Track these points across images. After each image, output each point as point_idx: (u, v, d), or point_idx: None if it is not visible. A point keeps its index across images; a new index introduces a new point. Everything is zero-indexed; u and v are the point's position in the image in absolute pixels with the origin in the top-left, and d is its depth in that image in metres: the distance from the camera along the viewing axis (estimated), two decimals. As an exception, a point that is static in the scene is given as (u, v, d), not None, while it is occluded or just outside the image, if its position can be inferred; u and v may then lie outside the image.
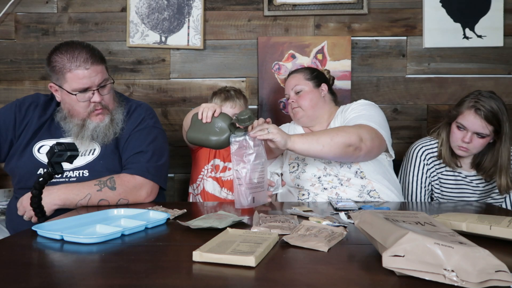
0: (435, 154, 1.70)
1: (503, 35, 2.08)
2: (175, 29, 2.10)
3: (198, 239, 0.85)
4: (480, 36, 2.08)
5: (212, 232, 0.89)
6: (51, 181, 1.10)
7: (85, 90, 1.35)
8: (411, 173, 1.72)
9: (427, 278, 0.60)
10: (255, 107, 2.14)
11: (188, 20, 2.10)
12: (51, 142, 1.41)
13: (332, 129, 1.42)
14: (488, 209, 1.29)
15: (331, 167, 1.52)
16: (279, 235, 0.87)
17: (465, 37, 2.09)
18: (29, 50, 2.14)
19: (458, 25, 2.09)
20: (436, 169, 1.70)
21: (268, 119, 1.36)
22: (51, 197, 1.24)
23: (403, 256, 0.61)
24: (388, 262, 0.63)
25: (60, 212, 1.23)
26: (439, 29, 2.09)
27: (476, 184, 1.67)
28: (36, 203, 1.09)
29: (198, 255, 0.71)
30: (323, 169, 1.53)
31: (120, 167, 1.41)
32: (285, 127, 1.76)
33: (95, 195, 1.28)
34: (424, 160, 1.71)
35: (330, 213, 1.15)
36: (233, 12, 2.13)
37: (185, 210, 1.15)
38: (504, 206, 1.68)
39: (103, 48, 2.00)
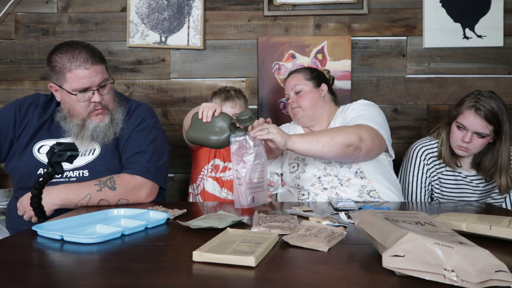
0: (435, 154, 1.70)
1: (503, 35, 2.08)
2: (175, 29, 2.10)
3: (198, 239, 0.85)
4: (480, 36, 2.08)
5: (212, 232, 0.89)
6: (51, 181, 1.10)
7: (85, 90, 1.35)
8: (411, 173, 1.72)
9: (427, 278, 0.60)
10: (255, 107, 2.14)
11: (188, 20, 2.10)
12: (51, 142, 1.41)
13: (332, 129, 1.42)
14: (488, 209, 1.29)
15: (331, 167, 1.52)
16: (279, 235, 0.86)
17: (465, 37, 2.09)
18: (29, 50, 2.14)
19: (458, 25, 2.09)
20: (436, 169, 1.70)
21: (268, 119, 1.36)
22: (51, 197, 1.24)
23: (403, 256, 0.61)
24: (388, 262, 0.63)
25: (60, 212, 1.23)
26: (439, 29, 2.09)
27: (476, 184, 1.67)
28: (36, 203, 1.09)
29: (198, 255, 0.71)
30: (323, 169, 1.53)
31: (120, 167, 1.41)
32: (285, 127, 1.76)
33: (95, 195, 1.28)
34: (424, 160, 1.71)
35: (330, 213, 1.15)
36: (233, 12, 2.13)
37: (185, 210, 1.15)
38: (504, 206, 1.68)
39: (103, 48, 2.00)
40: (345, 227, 0.97)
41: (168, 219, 1.05)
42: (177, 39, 2.11)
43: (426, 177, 1.71)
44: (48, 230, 0.90)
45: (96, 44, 1.52)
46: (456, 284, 0.58)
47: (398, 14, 2.12)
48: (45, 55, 1.40)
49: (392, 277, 0.64)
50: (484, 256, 0.60)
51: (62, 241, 0.86)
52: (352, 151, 1.37)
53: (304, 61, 2.10)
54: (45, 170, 1.23)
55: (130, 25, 2.10)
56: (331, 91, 1.72)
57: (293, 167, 1.61)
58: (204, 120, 1.25)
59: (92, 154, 1.41)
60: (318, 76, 1.69)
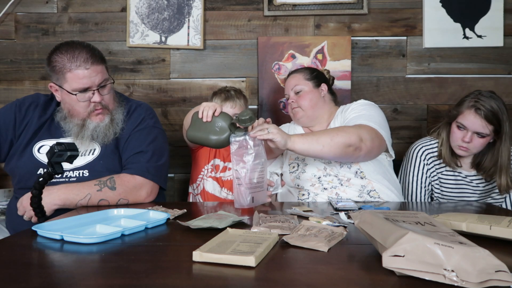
0: (435, 154, 1.70)
1: (503, 35, 2.08)
2: (175, 29, 2.10)
3: (198, 239, 0.85)
4: (480, 36, 2.08)
5: (212, 232, 0.89)
6: (51, 181, 1.10)
7: (85, 90, 1.35)
8: (411, 173, 1.72)
9: (427, 278, 0.60)
10: (255, 107, 2.14)
11: (188, 20, 2.10)
12: (51, 142, 1.41)
13: (332, 129, 1.42)
14: (488, 209, 1.29)
15: (331, 167, 1.52)
16: (279, 235, 0.87)
17: (465, 37, 2.09)
18: (29, 50, 2.14)
19: (458, 25, 2.09)
20: (436, 169, 1.70)
21: (268, 119, 1.36)
22: (51, 197, 1.24)
23: (403, 256, 0.61)
24: (388, 262, 0.63)
25: (60, 212, 1.23)
26: (439, 29, 2.09)
27: (476, 184, 1.67)
28: (36, 203, 1.09)
29: (198, 255, 0.71)
30: (323, 169, 1.53)
31: (120, 167, 1.41)
32: (285, 127, 1.76)
33: (95, 195, 1.28)
34: (424, 160, 1.71)
35: (330, 213, 1.15)
36: (233, 12, 2.13)
37: (185, 210, 1.15)
38: (504, 206, 1.68)
39: (103, 48, 2.00)
40: (345, 227, 0.97)
41: (168, 219, 1.05)
42: (177, 39, 2.11)
43: (426, 177, 1.71)
44: (48, 230, 0.90)
45: (96, 44, 1.52)
46: (456, 284, 0.58)
47: (398, 14, 2.12)
48: (45, 55, 1.40)
49: (392, 277, 0.64)
50: (484, 256, 0.60)
51: (62, 241, 0.86)
52: (352, 151, 1.37)
53: (304, 61, 2.10)
54: (45, 170, 1.23)
55: (130, 25, 2.10)
56: (331, 91, 1.72)
57: (293, 167, 1.61)
58: (204, 120, 1.25)
59: (92, 154, 1.41)
60: (318, 76, 1.69)
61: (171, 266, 0.72)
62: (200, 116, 1.26)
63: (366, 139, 1.39)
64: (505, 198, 1.68)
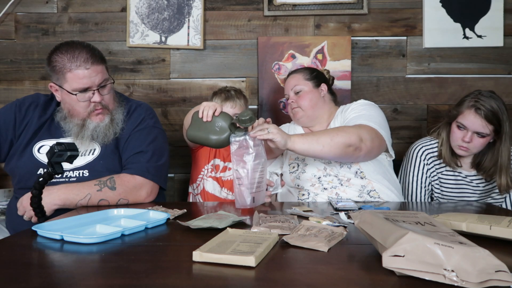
0: (435, 154, 1.70)
1: (503, 35, 2.08)
2: (175, 29, 2.10)
3: (198, 239, 0.85)
4: (480, 36, 2.08)
5: (212, 232, 0.89)
6: (51, 181, 1.10)
7: (85, 90, 1.35)
8: (411, 173, 1.72)
9: (427, 278, 0.60)
10: (255, 107, 2.14)
11: (188, 20, 2.10)
12: (51, 142, 1.41)
13: (332, 129, 1.42)
14: (488, 209, 1.29)
15: (331, 167, 1.52)
16: (279, 235, 0.86)
17: (465, 37, 2.09)
18: (29, 50, 2.14)
19: (458, 25, 2.09)
20: (436, 169, 1.70)
21: (269, 119, 1.36)
22: (51, 197, 1.24)
23: (403, 256, 0.61)
24: (388, 262, 0.63)
25: (60, 212, 1.23)
26: (439, 29, 2.09)
27: (476, 184, 1.67)
28: (36, 203, 1.09)
29: (198, 255, 0.71)
30: (323, 169, 1.53)
31: (120, 167, 1.41)
32: (285, 127, 1.76)
33: (95, 195, 1.28)
34: (424, 160, 1.71)
35: (330, 213, 1.15)
36: (233, 12, 2.13)
37: (185, 210, 1.15)
38: (504, 206, 1.68)
39: (103, 48, 2.00)
40: (345, 227, 0.97)
41: (168, 219, 1.05)
42: (177, 39, 2.11)
43: (426, 177, 1.71)
44: (48, 230, 0.90)
45: (96, 44, 1.52)
46: (456, 284, 0.58)
47: (398, 14, 2.12)
48: (45, 55, 1.40)
49: (392, 277, 0.64)
50: (484, 256, 0.60)
51: (62, 241, 0.86)
52: (352, 151, 1.37)
53: (304, 61, 2.10)
54: (45, 170, 1.23)
55: (130, 25, 2.10)
56: (330, 91, 1.72)
57: (293, 167, 1.61)
58: (205, 119, 1.25)
59: (92, 154, 1.41)
60: (317, 76, 1.69)
61: (171, 266, 0.72)
62: (200, 115, 1.26)
63: (366, 139, 1.39)
64: (505, 198, 1.68)
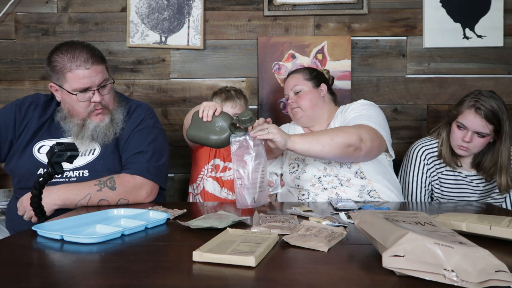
0: (435, 154, 1.70)
1: (503, 35, 2.08)
2: (175, 29, 2.10)
3: (198, 239, 0.85)
4: (480, 36, 2.08)
5: (212, 232, 0.89)
6: (51, 181, 1.10)
7: (85, 90, 1.35)
8: (411, 173, 1.72)
9: (427, 278, 0.60)
10: (255, 107, 2.14)
11: (188, 20, 2.10)
12: (51, 142, 1.41)
13: (332, 129, 1.42)
14: (488, 209, 1.29)
15: (331, 168, 1.52)
16: (279, 235, 0.86)
17: (465, 37, 2.09)
18: (29, 50, 2.14)
19: (458, 25, 2.09)
20: (436, 169, 1.70)
21: (269, 119, 1.36)
22: (51, 197, 1.24)
23: (403, 256, 0.61)
24: (388, 262, 0.63)
25: (60, 212, 1.23)
26: (439, 29, 2.09)
27: (476, 184, 1.67)
28: (36, 203, 1.09)
29: (198, 255, 0.71)
30: (323, 170, 1.53)
31: (120, 167, 1.41)
32: (285, 127, 1.76)
33: (95, 195, 1.28)
34: (424, 160, 1.71)
35: (330, 213, 1.15)
36: (233, 12, 2.13)
37: (185, 210, 1.15)
38: (504, 206, 1.68)
39: (103, 48, 1.99)
40: (345, 227, 0.97)
41: (168, 219, 1.05)
42: (177, 39, 2.11)
43: (426, 177, 1.71)
44: (48, 230, 0.90)
45: (96, 44, 1.52)
46: (456, 284, 0.58)
47: (398, 14, 2.12)
48: (45, 55, 1.41)
49: (392, 277, 0.64)
50: (484, 256, 0.60)
51: (62, 241, 0.86)
52: (352, 151, 1.37)
53: (304, 61, 2.10)
54: (45, 170, 1.23)
55: (130, 25, 2.10)
56: (330, 91, 1.72)
57: (293, 167, 1.61)
58: (205, 119, 1.25)
59: (92, 154, 1.41)
60: (317, 76, 1.69)
61: (171, 266, 0.72)
62: (200, 115, 1.26)
63: (366, 139, 1.39)
64: (505, 198, 1.68)
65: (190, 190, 1.80)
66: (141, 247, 0.83)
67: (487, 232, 0.85)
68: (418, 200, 1.71)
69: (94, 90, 1.36)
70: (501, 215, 1.04)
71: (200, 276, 0.67)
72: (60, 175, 1.29)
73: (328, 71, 1.82)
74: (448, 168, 1.69)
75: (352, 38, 2.10)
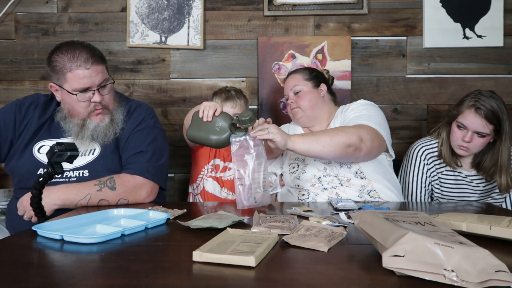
0: (435, 154, 1.70)
1: (503, 35, 2.08)
2: (175, 29, 2.10)
3: (198, 239, 0.85)
4: (480, 36, 2.08)
5: (212, 232, 0.89)
6: (51, 181, 1.10)
7: (85, 90, 1.35)
8: (411, 173, 1.72)
9: (427, 278, 0.60)
10: (255, 107, 2.14)
11: (188, 20, 2.10)
12: (51, 142, 1.41)
13: (332, 129, 1.42)
14: (488, 209, 1.29)
15: (331, 168, 1.52)
16: (279, 235, 0.87)
17: (465, 37, 2.09)
18: (29, 50, 2.14)
19: (458, 25, 2.09)
20: (436, 169, 1.70)
21: (269, 119, 1.37)
22: (51, 197, 1.24)
23: (403, 256, 0.61)
24: (388, 262, 0.63)
25: (60, 212, 1.23)
26: (439, 29, 2.09)
27: (477, 184, 1.67)
28: (36, 203, 1.09)
29: (198, 255, 0.71)
30: (323, 170, 1.53)
31: (120, 167, 1.41)
32: (285, 127, 1.76)
33: (95, 195, 1.28)
34: (424, 160, 1.71)
35: (330, 213, 1.15)
36: (233, 12, 2.13)
37: (185, 210, 1.15)
38: (504, 206, 1.68)
39: (103, 48, 1.99)
40: (345, 227, 0.97)
41: (168, 219, 1.05)
42: (177, 39, 2.11)
43: (426, 177, 1.71)
44: (48, 230, 0.90)
45: (96, 44, 1.52)
46: (456, 284, 0.58)
47: (398, 14, 2.12)
48: (45, 55, 1.41)
49: (392, 277, 0.64)
50: (484, 256, 0.60)
51: (62, 241, 0.86)
52: (352, 151, 1.37)
53: (304, 61, 2.10)
54: (45, 170, 1.23)
55: (130, 25, 2.10)
56: (330, 91, 1.72)
57: (293, 167, 1.61)
58: (205, 119, 1.25)
59: (92, 154, 1.41)
60: (317, 76, 1.69)
61: (171, 266, 0.72)
62: (200, 115, 1.26)
63: (366, 139, 1.39)
64: (505, 198, 1.68)
65: (190, 190, 1.80)
66: (141, 247, 0.83)
67: (487, 232, 0.85)
68: (418, 200, 1.71)
69: (94, 90, 1.36)
70: (501, 215, 1.04)
71: (200, 276, 0.67)
72: (60, 175, 1.29)
73: (328, 71, 1.82)
74: (448, 168, 1.69)
75: (352, 38, 2.10)
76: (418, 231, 0.66)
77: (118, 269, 0.71)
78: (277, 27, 2.13)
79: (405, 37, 2.13)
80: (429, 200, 1.74)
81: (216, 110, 1.26)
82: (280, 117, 2.09)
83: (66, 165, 1.25)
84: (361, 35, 2.13)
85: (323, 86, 1.68)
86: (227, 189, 1.70)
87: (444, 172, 1.69)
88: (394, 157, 1.59)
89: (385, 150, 1.54)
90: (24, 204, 1.24)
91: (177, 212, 1.13)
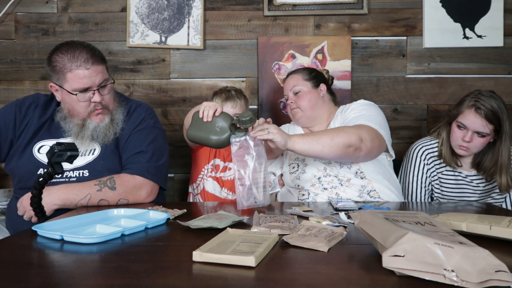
0: (435, 154, 1.70)
1: (503, 35, 2.08)
2: (175, 29, 2.10)
3: (198, 239, 0.85)
4: (480, 36, 2.08)
5: (212, 232, 0.89)
6: (51, 181, 1.10)
7: (85, 90, 1.35)
8: (411, 173, 1.72)
9: (427, 278, 0.60)
10: (255, 107, 2.14)
11: (188, 20, 2.10)
12: (51, 142, 1.41)
13: (332, 130, 1.42)
14: (488, 209, 1.29)
15: (331, 168, 1.52)
16: (279, 235, 0.87)
17: (465, 37, 2.09)
18: (29, 50, 2.14)
19: (458, 25, 2.09)
20: (436, 169, 1.70)
21: (269, 119, 1.36)
22: (51, 197, 1.24)
23: (403, 256, 0.61)
24: (388, 262, 0.63)
25: (60, 212, 1.23)
26: (439, 29, 2.09)
27: (477, 184, 1.67)
28: (36, 203, 1.09)
29: (198, 255, 0.71)
30: (323, 170, 1.53)
31: (120, 167, 1.41)
32: (285, 127, 1.76)
33: (95, 195, 1.28)
34: (424, 160, 1.71)
35: (330, 213, 1.15)
36: (233, 12, 2.13)
37: (185, 210, 1.15)
38: (504, 206, 1.68)
39: (103, 48, 1.99)
40: (345, 227, 0.97)
41: (168, 219, 1.05)
42: (177, 39, 2.11)
43: (426, 177, 1.71)
44: (48, 230, 0.90)
45: (96, 44, 1.52)
46: (456, 284, 0.58)
47: (398, 14, 2.12)
48: (45, 55, 1.41)
49: (392, 277, 0.64)
50: (484, 256, 0.60)
51: (62, 241, 0.86)
52: (352, 151, 1.37)
53: (304, 61, 2.10)
54: (45, 170, 1.23)
55: (130, 25, 2.10)
56: (330, 91, 1.72)
57: (293, 167, 1.61)
58: (205, 120, 1.25)
59: (92, 154, 1.41)
60: (316, 76, 1.69)
61: (171, 266, 0.72)
62: (200, 115, 1.26)
63: (366, 139, 1.39)
64: (505, 198, 1.68)
65: (190, 190, 1.80)
66: (141, 247, 0.83)
67: (487, 232, 0.85)
68: (418, 200, 1.71)
69: (94, 90, 1.36)
70: (501, 215, 1.04)
71: (200, 276, 0.67)
72: (60, 175, 1.29)
73: (327, 71, 1.82)
74: (448, 168, 1.69)
75: (352, 38, 2.10)
76: (418, 231, 0.66)
77: (118, 269, 0.71)
78: (277, 27, 2.13)
79: (405, 37, 2.13)
80: (429, 200, 1.74)
81: (216, 110, 1.26)
82: (280, 117, 2.09)
83: (66, 165, 1.25)
84: (361, 35, 2.13)
85: (323, 86, 1.68)
86: (227, 189, 1.70)
87: (444, 172, 1.69)
88: (394, 157, 1.59)
89: (385, 150, 1.54)
90: (24, 204, 1.24)
91: (177, 212, 1.13)
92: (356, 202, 1.36)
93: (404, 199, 1.72)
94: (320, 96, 1.66)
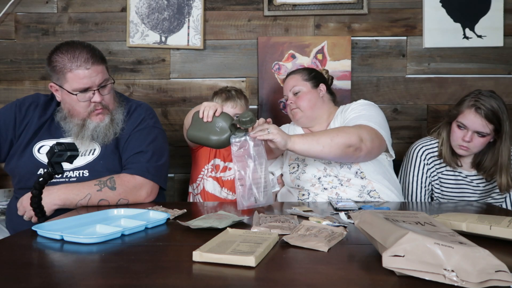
0: (435, 154, 1.70)
1: (503, 35, 2.08)
2: (175, 29, 2.10)
3: (198, 239, 0.85)
4: (480, 36, 2.08)
5: (212, 232, 0.89)
6: (51, 181, 1.10)
7: (85, 90, 1.35)
8: (411, 173, 1.72)
9: (427, 278, 0.60)
10: (255, 107, 2.14)
11: (188, 20, 2.10)
12: (51, 142, 1.41)
13: (332, 130, 1.42)
14: (488, 209, 1.29)
15: (331, 168, 1.52)
16: (279, 235, 0.87)
17: (465, 37, 2.09)
18: (29, 50, 2.14)
19: (458, 25, 2.09)
20: (436, 169, 1.70)
21: (269, 119, 1.36)
22: (51, 197, 1.24)
23: (403, 256, 0.61)
24: (388, 262, 0.63)
25: (60, 212, 1.23)
26: (439, 29, 2.09)
27: (477, 184, 1.67)
28: (36, 203, 1.09)
29: (198, 255, 0.71)
30: (323, 170, 1.53)
31: (120, 167, 1.41)
32: (285, 127, 1.76)
33: (95, 195, 1.28)
34: (424, 160, 1.71)
35: (330, 213, 1.15)
36: (233, 12, 2.13)
37: (185, 210, 1.15)
38: (504, 206, 1.68)
39: (103, 48, 1.99)
40: (345, 227, 0.97)
41: (168, 219, 1.05)
42: (177, 39, 2.11)
43: (426, 177, 1.71)
44: (48, 230, 0.90)
45: (96, 44, 1.52)
46: (456, 284, 0.58)
47: (398, 14, 2.12)
48: (45, 55, 1.41)
49: (392, 277, 0.64)
50: (484, 256, 0.60)
51: (62, 241, 0.86)
52: (352, 151, 1.37)
53: (304, 61, 2.10)
54: (45, 170, 1.23)
55: (130, 25, 2.10)
56: (329, 91, 1.72)
57: (293, 167, 1.61)
58: (205, 120, 1.25)
59: (92, 154, 1.41)
60: (316, 77, 1.69)
61: (171, 266, 0.72)
62: (200, 116, 1.26)
63: (366, 139, 1.39)
64: (505, 198, 1.68)
65: (190, 190, 1.80)
66: (141, 247, 0.83)
67: (487, 232, 0.85)
68: (418, 200, 1.71)
69: (94, 90, 1.36)
70: (501, 215, 1.04)
71: (200, 276, 0.67)
72: (60, 175, 1.29)
73: (327, 71, 1.82)
74: (448, 168, 1.69)
75: (352, 38, 2.10)
76: (418, 231, 0.66)
77: (118, 269, 0.71)
78: (277, 27, 2.13)
79: (405, 37, 2.13)
80: (429, 200, 1.74)
81: (216, 110, 1.26)
82: (280, 117, 2.09)
83: (66, 165, 1.26)
84: (361, 35, 2.13)
85: (322, 86, 1.68)
86: (227, 189, 1.70)
87: (444, 172, 1.69)
88: (394, 157, 1.59)
89: (385, 150, 1.54)
90: (24, 204, 1.24)
91: (177, 212, 1.13)
92: (356, 202, 1.36)
93: (404, 199, 1.72)
94: (319, 96, 1.66)
